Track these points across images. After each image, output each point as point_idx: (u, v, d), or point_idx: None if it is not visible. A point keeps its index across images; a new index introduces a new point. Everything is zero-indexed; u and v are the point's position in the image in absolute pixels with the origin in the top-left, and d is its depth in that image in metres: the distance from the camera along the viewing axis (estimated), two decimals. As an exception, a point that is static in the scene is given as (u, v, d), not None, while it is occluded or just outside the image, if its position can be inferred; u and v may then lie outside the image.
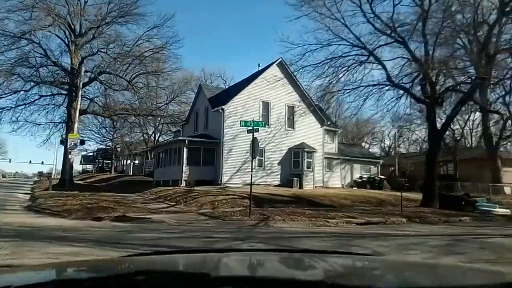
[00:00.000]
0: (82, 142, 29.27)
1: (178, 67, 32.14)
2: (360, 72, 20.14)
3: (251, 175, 13.10)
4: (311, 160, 25.96)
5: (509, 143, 36.63)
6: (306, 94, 25.02)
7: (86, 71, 29.22)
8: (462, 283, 1.38)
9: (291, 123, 26.39)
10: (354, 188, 28.72)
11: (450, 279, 1.48)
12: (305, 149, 25.72)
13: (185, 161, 23.23)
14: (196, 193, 18.44)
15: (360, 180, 30.45)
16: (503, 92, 32.20)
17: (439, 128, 19.12)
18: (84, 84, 29.32)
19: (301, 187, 24.80)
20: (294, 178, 25.01)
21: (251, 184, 13.32)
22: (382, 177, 31.56)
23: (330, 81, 20.00)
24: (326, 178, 28.05)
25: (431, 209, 17.97)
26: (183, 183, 22.94)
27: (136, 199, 19.75)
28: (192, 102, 30.32)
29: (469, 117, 37.21)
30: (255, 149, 12.84)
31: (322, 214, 14.54)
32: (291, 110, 26.14)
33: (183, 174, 23.13)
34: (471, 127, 44.11)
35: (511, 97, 33.52)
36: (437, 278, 1.53)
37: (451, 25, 18.46)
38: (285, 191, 21.56)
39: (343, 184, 29.51)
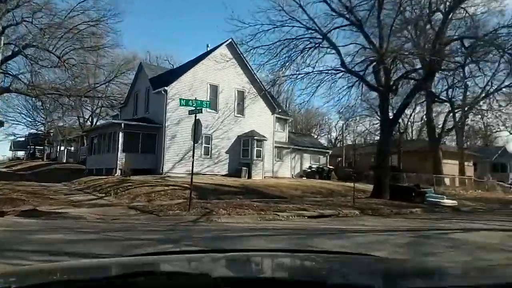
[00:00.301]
0: (1, 124, 25.33)
1: (118, 43, 29.06)
2: (313, 57, 18.93)
3: (193, 162, 11.29)
4: (261, 148, 24.57)
5: (450, 136, 37.99)
6: (257, 78, 23.45)
7: (8, 43, 25.24)
8: (462, 283, 1.38)
9: (240, 109, 24.76)
10: (303, 178, 27.88)
11: (450, 279, 1.49)
12: (255, 137, 24.26)
13: (120, 147, 20.72)
14: (131, 184, 16.21)
15: (309, 170, 29.72)
16: (446, 86, 33.26)
17: (391, 118, 18.50)
18: (7, 58, 25.38)
19: (250, 177, 23.36)
20: (243, 168, 23.50)
21: (192, 172, 11.53)
22: (331, 167, 31.14)
23: (282, 65, 18.56)
24: (276, 168, 26.88)
25: (382, 200, 17.35)
26: (118, 172, 20.46)
27: (61, 189, 17.07)
28: (132, 83, 27.44)
29: (414, 109, 38.03)
30: (198, 133, 11.04)
31: (272, 207, 13.15)
32: (241, 95, 24.49)
33: (119, 162, 20.64)
34: (412, 121, 45.39)
35: (454, 90, 34.89)
36: (437, 278, 1.50)
37: (407, 10, 17.76)
38: (233, 182, 19.98)
39: (292, 174, 28.56)
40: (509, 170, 43.88)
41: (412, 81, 19.02)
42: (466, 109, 32.72)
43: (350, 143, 50.77)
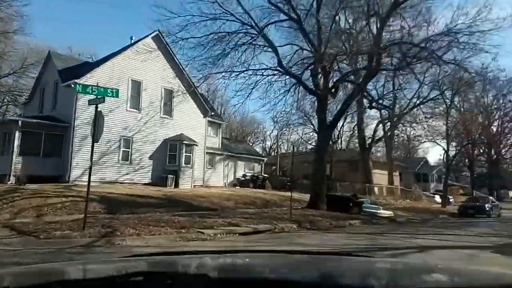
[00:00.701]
0: None
1: (25, 30, 24.76)
2: (249, 55, 17.21)
3: (90, 166, 8.64)
4: (190, 154, 22.14)
5: (376, 147, 38.83)
6: (187, 75, 21.06)
7: None
8: (462, 284, 1.39)
9: (168, 110, 22.15)
10: (237, 187, 25.91)
11: (450, 280, 1.50)
12: (184, 142, 21.78)
13: (16, 150, 16.94)
14: (19, 194, 12.83)
15: (243, 179, 27.87)
16: (377, 97, 33.87)
17: (329, 122, 17.34)
18: None
19: (177, 186, 20.79)
20: (169, 176, 20.86)
21: (89, 179, 8.87)
22: (266, 175, 29.63)
23: (214, 60, 16.54)
24: (208, 176, 24.58)
25: (319, 211, 15.97)
26: (12, 180, 16.66)
27: None
28: (38, 75, 23.31)
29: (345, 119, 38.23)
30: (99, 129, 8.48)
31: (197, 222, 10.89)
32: (169, 94, 21.93)
33: (13, 167, 16.83)
34: (342, 130, 45.86)
35: (383, 101, 35.74)
36: (437, 279, 1.51)
37: (346, 11, 16.83)
38: (155, 192, 17.28)
39: (225, 183, 26.45)
40: (431, 180, 46.36)
41: (350, 85, 18.16)
42: (395, 119, 33.55)
43: (284, 151, 50.33)
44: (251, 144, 55.35)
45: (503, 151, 53.03)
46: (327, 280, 1.34)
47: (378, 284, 1.32)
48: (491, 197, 25.47)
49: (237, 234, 10.05)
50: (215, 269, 1.56)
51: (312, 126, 39.95)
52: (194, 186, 22.06)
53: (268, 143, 63.52)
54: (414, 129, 32.97)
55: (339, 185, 28.95)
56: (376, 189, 34.18)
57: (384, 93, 33.87)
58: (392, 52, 16.52)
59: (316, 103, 18.08)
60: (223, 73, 16.61)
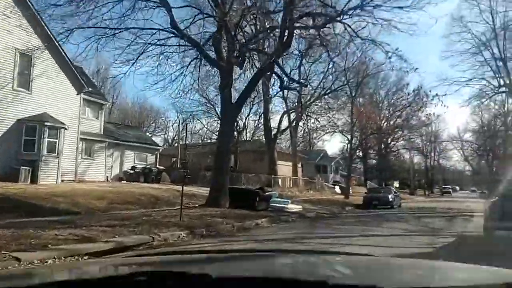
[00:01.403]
0: None
1: None
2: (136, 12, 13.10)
3: None
4: (56, 140, 16.94)
5: (282, 137, 37.42)
6: (51, 35, 15.82)
7: None
8: (463, 283, 1.38)
9: (25, 81, 16.57)
10: (123, 182, 21.27)
11: (451, 278, 1.48)
12: (47, 123, 16.51)
13: None
14: None
15: (132, 172, 23.27)
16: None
17: (234, 102, 14.18)
18: None
19: (35, 181, 15.58)
20: (24, 168, 15.53)
21: None
22: (161, 167, 25.43)
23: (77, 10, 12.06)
24: (83, 168, 19.53)
25: (221, 209, 12.76)
26: None
27: None
28: None
29: (251, 108, 35.92)
30: None
31: (24, 237, 6.75)
32: (27, 60, 16.38)
33: None
34: (247, 121, 43.63)
35: (288, 93, 34.26)
36: (438, 278, 1.49)
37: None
38: (-8, 189, 12.09)
39: (108, 177, 21.57)
40: (329, 171, 47.03)
41: (258, 61, 15.30)
42: (300, 110, 32.23)
43: (188, 142, 46.19)
44: (150, 134, 50.03)
45: (391, 144, 57.19)
46: (329, 279, 1.20)
47: (379, 284, 1.18)
48: (392, 188, 25.46)
49: (83, 256, 6.18)
50: (216, 268, 1.56)
51: (217, 115, 36.83)
52: (62, 181, 16.98)
53: (171, 134, 58.57)
54: (318, 120, 32.01)
55: (244, 177, 26.26)
56: (280, 180, 32.62)
57: (290, 83, 32.38)
58: (306, 21, 14.06)
59: (219, 79, 14.72)
60: (94, 29, 12.15)
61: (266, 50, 14.70)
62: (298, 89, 20.21)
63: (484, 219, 9.87)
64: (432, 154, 64.12)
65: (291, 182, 31.88)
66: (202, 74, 16.80)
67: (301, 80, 30.84)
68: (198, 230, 9.30)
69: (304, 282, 1.22)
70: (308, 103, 32.19)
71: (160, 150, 27.44)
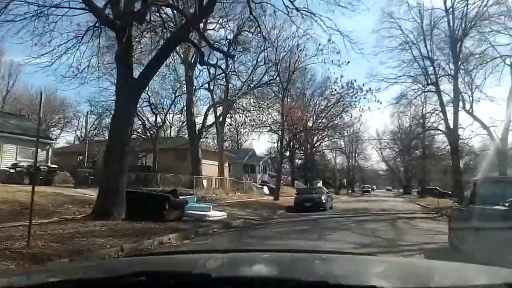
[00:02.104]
0: None
1: None
2: None
3: None
4: None
5: (208, 133, 34.02)
6: None
7: None
8: (463, 283, 1.37)
9: None
10: (-4, 183, 16.08)
11: (451, 278, 1.46)
12: None
13: None
14: None
15: (13, 171, 18.07)
16: (208, 78, 28.84)
17: (134, 78, 10.38)
18: None
19: None
20: None
21: None
22: (54, 166, 20.42)
23: None
24: None
25: (111, 222, 9.00)
26: None
27: None
28: None
29: (174, 101, 31.90)
30: None
31: None
32: None
33: None
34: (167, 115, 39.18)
35: (215, 85, 31.03)
36: (438, 278, 1.45)
37: None
38: None
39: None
40: (258, 171, 44.80)
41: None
42: (227, 104, 29.19)
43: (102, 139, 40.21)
44: (60, 131, 43.01)
45: (317, 144, 57.11)
46: (330, 279, 1.23)
47: (379, 284, 1.19)
48: (324, 188, 23.60)
49: None
50: (216, 268, 1.49)
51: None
52: None
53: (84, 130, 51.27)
54: (246, 116, 29.29)
55: (161, 178, 22.34)
56: (205, 181, 29.26)
57: (217, 74, 29.25)
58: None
59: (117, 46, 10.89)
60: None
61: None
62: (223, 69, 16.96)
63: (449, 230, 7.83)
64: (354, 155, 66.03)
65: (217, 183, 28.63)
66: (103, 46, 12.79)
67: (229, 70, 28.30)
68: (53, 263, 5.61)
69: (304, 282, 1.22)
70: (235, 97, 29.27)
71: (53, 144, 22.20)
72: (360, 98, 19.05)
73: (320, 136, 56.29)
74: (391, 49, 24.82)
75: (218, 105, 30.50)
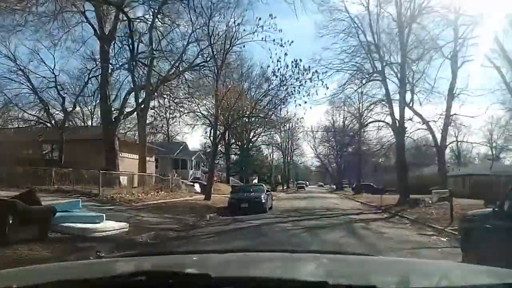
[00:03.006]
0: None
1: None
2: None
3: None
4: None
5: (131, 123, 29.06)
6: None
7: None
8: (463, 283, 1.37)
9: None
10: None
11: (451, 279, 1.46)
12: None
13: None
14: None
15: None
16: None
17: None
18: None
19: None
20: None
21: None
22: None
23: None
24: None
25: None
26: None
27: None
28: None
29: (87, 82, 26.40)
30: None
31: None
32: None
33: None
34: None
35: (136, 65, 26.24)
36: (438, 278, 1.46)
37: None
38: None
39: None
40: (190, 167, 40.48)
41: None
42: (151, 88, 24.63)
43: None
44: None
45: (253, 139, 54.31)
46: (329, 279, 1.18)
47: (379, 284, 1.17)
48: (263, 185, 20.35)
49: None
50: (216, 267, 1.52)
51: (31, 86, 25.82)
52: None
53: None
54: (175, 102, 25.06)
55: (57, 174, 17.25)
56: (125, 178, 24.49)
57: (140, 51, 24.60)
58: None
59: None
60: None
61: None
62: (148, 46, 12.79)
63: (469, 250, 4.94)
64: (289, 150, 64.64)
65: (135, 179, 24.02)
66: None
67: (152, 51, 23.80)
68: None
69: (304, 282, 1.19)
70: (160, 81, 24.78)
71: None
72: (305, 81, 16.15)
73: (257, 131, 53.83)
74: (336, 33, 22.47)
75: (141, 89, 25.74)
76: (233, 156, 54.49)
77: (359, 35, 22.14)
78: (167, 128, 44.41)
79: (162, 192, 21.55)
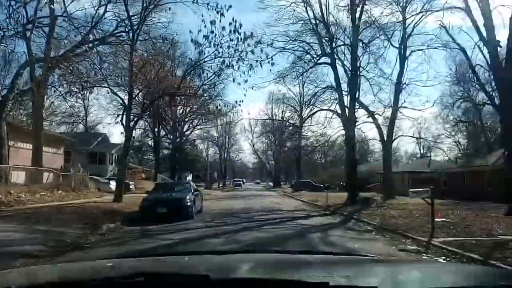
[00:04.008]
0: None
1: None
2: None
3: None
4: None
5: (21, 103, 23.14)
6: None
7: None
8: (463, 283, 1.35)
9: None
10: None
11: (451, 279, 1.44)
12: None
13: None
14: None
15: None
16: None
17: None
18: None
19: None
20: None
21: None
22: None
23: None
24: None
25: None
26: None
27: None
28: None
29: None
30: None
31: None
32: None
33: None
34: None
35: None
36: (439, 278, 1.44)
37: None
38: None
39: None
40: (109, 161, 34.78)
41: None
42: (51, 62, 19.23)
43: None
44: None
45: (187, 132, 49.69)
46: (330, 280, 1.19)
47: (380, 285, 1.20)
48: (191, 183, 16.23)
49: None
50: (216, 269, 1.49)
51: None
52: None
53: None
54: (80, 78, 19.81)
55: None
56: (22, 174, 18.98)
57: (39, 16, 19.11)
58: None
59: None
60: None
61: None
62: None
63: None
64: (226, 146, 61.06)
65: (28, 176, 18.61)
66: None
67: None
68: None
69: (305, 283, 1.18)
70: (63, 53, 19.47)
71: None
72: (246, 53, 12.66)
73: (192, 123, 49.29)
74: (281, 7, 19.36)
75: (39, 62, 20.13)
76: (165, 150, 49.36)
77: (307, 11, 19.28)
78: (85, 116, 38.04)
79: (60, 192, 16.56)
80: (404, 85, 21.26)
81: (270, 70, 17.40)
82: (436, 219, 8.26)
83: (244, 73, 12.29)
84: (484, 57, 15.84)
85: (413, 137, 36.87)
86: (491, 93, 20.01)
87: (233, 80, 12.29)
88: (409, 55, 21.40)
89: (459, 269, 1.69)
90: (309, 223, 11.15)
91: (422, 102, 29.59)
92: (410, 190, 7.51)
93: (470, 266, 1.77)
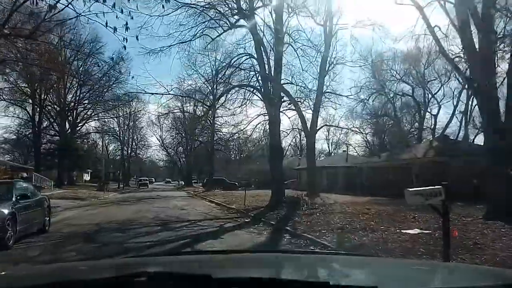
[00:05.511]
0: None
1: None
2: None
3: None
4: None
5: None
6: None
7: None
8: (463, 283, 1.33)
9: None
10: None
11: (451, 279, 1.43)
12: None
13: None
14: None
15: None
16: None
17: None
18: None
19: None
20: None
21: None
22: None
23: None
24: None
25: None
26: None
27: None
28: None
29: None
30: None
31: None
32: None
33: None
34: None
35: None
36: (439, 278, 1.41)
37: None
38: None
39: None
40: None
41: None
42: None
43: None
44: None
45: (80, 124, 41.18)
46: (329, 279, 1.20)
47: (381, 284, 1.15)
48: (22, 183, 9.56)
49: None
50: (217, 268, 1.49)
51: None
52: None
53: None
54: None
55: None
56: None
57: None
58: None
59: None
60: None
61: None
62: None
63: None
64: (131, 142, 53.39)
65: None
66: None
67: None
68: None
69: (305, 283, 1.17)
70: None
71: None
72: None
73: (86, 114, 41.08)
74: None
75: None
76: (50, 144, 40.25)
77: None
78: None
79: None
80: (332, 65, 18.44)
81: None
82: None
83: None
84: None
85: (338, 127, 35.33)
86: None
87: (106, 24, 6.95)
88: (335, 33, 18.75)
89: (459, 269, 1.67)
90: (221, 246, 6.75)
91: (348, 88, 28.20)
92: (407, 189, 3.80)
93: (471, 266, 1.72)
